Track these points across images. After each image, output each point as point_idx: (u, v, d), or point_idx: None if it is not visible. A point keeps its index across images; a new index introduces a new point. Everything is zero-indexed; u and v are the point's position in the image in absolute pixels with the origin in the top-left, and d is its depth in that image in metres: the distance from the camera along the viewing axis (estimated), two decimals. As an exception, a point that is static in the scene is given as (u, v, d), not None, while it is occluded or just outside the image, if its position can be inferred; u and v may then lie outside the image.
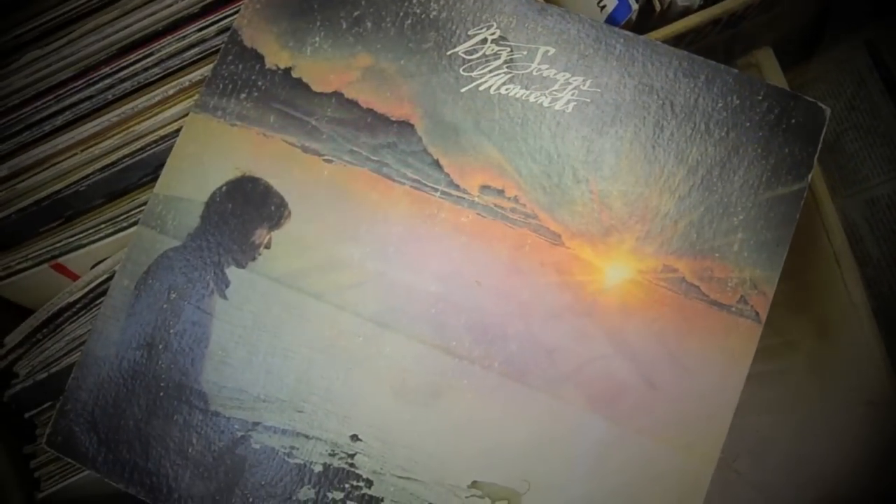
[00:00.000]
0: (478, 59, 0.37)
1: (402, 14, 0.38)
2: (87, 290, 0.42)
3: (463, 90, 0.37)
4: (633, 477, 0.34)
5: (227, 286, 0.37)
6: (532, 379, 0.35)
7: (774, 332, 0.37)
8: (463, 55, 0.37)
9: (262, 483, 0.35)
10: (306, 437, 0.35)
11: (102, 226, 0.42)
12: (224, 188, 0.38)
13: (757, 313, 0.34)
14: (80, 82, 0.42)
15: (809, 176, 0.35)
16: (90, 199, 0.43)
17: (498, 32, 0.37)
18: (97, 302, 0.42)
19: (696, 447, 0.33)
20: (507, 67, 0.37)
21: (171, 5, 0.42)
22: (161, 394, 0.36)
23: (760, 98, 0.36)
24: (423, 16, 0.38)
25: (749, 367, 0.34)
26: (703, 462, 0.33)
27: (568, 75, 0.37)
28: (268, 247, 0.37)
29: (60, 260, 0.43)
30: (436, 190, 0.36)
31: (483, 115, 0.37)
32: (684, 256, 0.35)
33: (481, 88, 0.37)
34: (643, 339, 0.35)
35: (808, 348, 0.39)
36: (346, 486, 0.35)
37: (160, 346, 0.36)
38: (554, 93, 0.37)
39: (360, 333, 0.36)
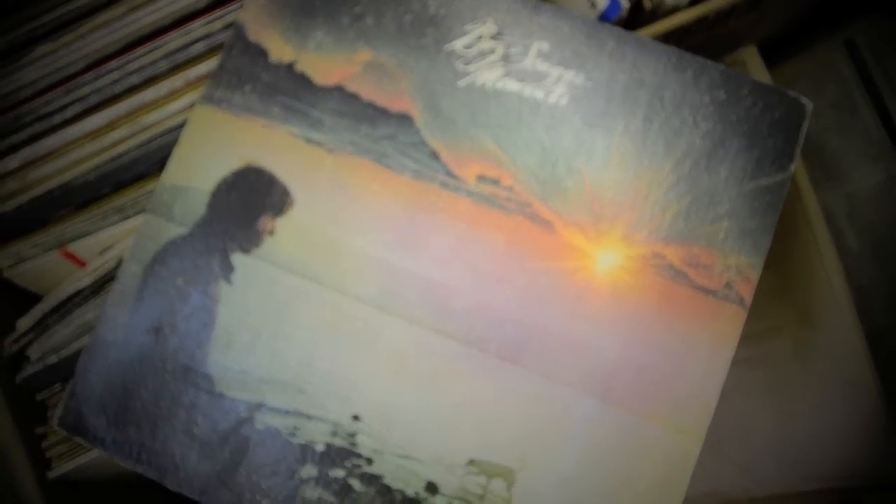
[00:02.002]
0: (474, 53, 0.39)
1: (401, 10, 0.39)
2: (95, 276, 0.43)
3: (460, 84, 0.38)
4: (623, 455, 0.35)
5: (232, 272, 0.38)
6: (527, 361, 0.36)
7: (758, 318, 0.38)
8: (460, 50, 0.39)
9: (266, 462, 0.36)
10: (309, 417, 0.36)
11: (110, 214, 0.43)
12: (229, 177, 0.39)
13: (742, 298, 0.36)
14: (89, 75, 0.43)
15: (792, 166, 0.36)
16: (99, 189, 0.44)
17: (494, 28, 0.39)
18: (105, 288, 0.43)
19: (683, 426, 0.35)
20: (502, 62, 0.38)
21: (177, 1, 0.43)
22: (168, 376, 0.37)
23: (746, 93, 0.37)
24: (421, 12, 0.39)
25: (735, 350, 0.35)
26: (690, 441, 0.35)
27: (561, 70, 0.38)
28: (272, 234, 0.38)
29: (69, 247, 0.43)
30: (434, 180, 0.38)
31: (479, 108, 0.38)
32: (672, 243, 0.36)
33: (478, 82, 0.38)
34: (633, 323, 0.36)
35: (791, 334, 0.40)
36: (348, 464, 0.36)
37: (167, 331, 0.37)
38: (548, 87, 0.38)
39: (361, 317, 0.37)
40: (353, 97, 0.39)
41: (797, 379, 0.40)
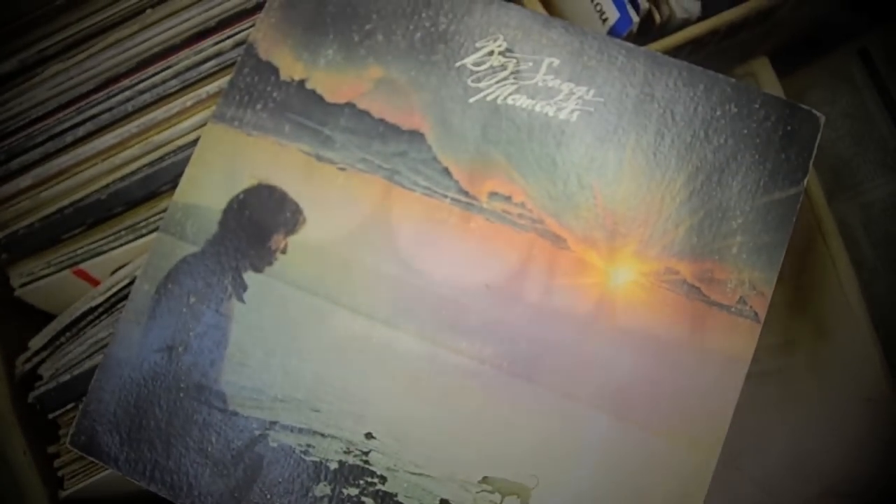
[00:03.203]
0: (485, 70, 0.39)
1: (412, 27, 0.39)
2: (108, 294, 0.43)
3: (471, 100, 0.38)
4: (637, 471, 0.35)
5: (244, 290, 0.38)
6: (540, 378, 0.36)
7: (773, 332, 0.38)
8: (471, 67, 0.39)
9: (280, 480, 0.36)
10: (322, 435, 0.36)
11: (123, 232, 0.44)
12: (241, 195, 0.39)
13: (756, 313, 0.36)
14: (100, 94, 0.43)
15: (805, 180, 0.36)
16: (111, 208, 0.44)
17: (504, 45, 0.39)
18: (118, 306, 0.43)
19: (698, 442, 0.35)
20: (513, 78, 0.38)
21: (188, 20, 0.43)
22: (181, 394, 0.37)
23: (757, 106, 0.37)
24: (432, 29, 0.39)
25: (749, 365, 0.35)
26: (705, 456, 0.34)
27: (572, 85, 0.38)
28: (284, 252, 0.38)
29: (82, 266, 0.44)
30: (446, 196, 0.38)
31: (490, 124, 0.38)
32: (685, 259, 0.36)
33: (489, 99, 0.38)
34: (646, 339, 0.36)
35: (807, 348, 0.40)
36: (361, 482, 0.36)
37: (180, 349, 0.37)
38: (559, 102, 0.38)
39: (374, 335, 0.37)
40: (364, 114, 0.39)
41: (813, 393, 0.40)
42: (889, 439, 0.38)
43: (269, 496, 0.36)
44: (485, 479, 0.35)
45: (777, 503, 0.39)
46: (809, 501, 0.38)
